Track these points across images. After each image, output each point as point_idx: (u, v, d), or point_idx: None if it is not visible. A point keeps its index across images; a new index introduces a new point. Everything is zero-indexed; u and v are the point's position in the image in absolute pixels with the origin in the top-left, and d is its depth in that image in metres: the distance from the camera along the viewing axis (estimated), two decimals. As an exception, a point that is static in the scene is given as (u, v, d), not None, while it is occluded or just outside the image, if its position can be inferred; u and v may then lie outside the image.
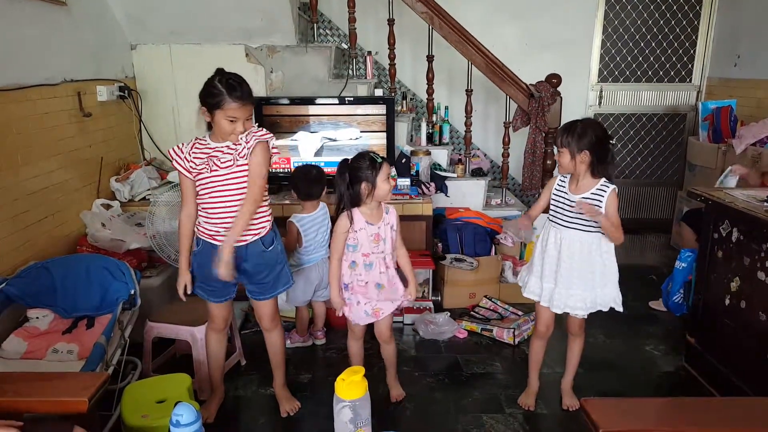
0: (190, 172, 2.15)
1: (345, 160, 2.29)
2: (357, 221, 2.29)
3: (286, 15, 3.67)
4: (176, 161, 2.17)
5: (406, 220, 3.53)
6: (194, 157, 2.15)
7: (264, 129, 2.20)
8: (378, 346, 2.61)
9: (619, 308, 2.33)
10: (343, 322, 3.20)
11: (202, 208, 2.21)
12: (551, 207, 2.35)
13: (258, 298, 2.35)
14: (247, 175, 2.15)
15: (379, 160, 2.25)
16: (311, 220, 2.90)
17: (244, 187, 2.15)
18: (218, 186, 2.15)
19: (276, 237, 2.32)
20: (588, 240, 2.27)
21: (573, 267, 2.28)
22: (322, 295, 3.02)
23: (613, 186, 2.22)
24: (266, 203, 2.26)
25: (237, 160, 2.14)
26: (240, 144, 2.14)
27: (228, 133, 2.10)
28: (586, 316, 2.37)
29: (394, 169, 2.25)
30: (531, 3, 4.84)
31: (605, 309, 2.34)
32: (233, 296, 2.37)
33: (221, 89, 2.04)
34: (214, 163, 2.14)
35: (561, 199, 2.30)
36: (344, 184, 2.25)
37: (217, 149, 2.15)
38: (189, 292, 2.30)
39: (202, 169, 2.14)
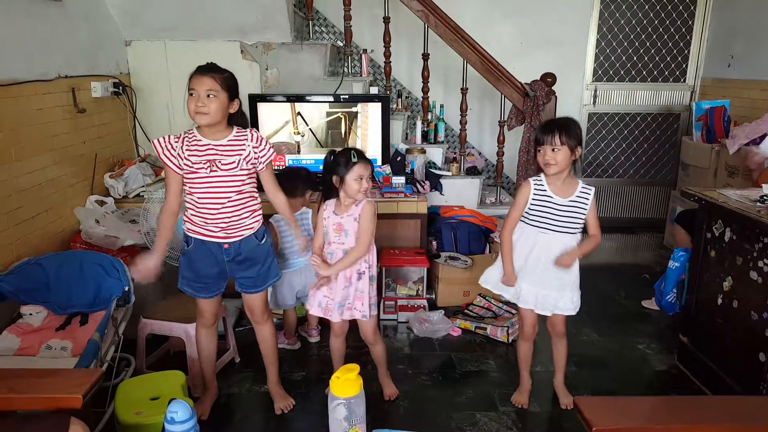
0: (181, 168, 2.14)
1: (332, 152, 2.36)
2: (327, 210, 2.36)
3: (281, 12, 3.67)
4: (165, 155, 2.13)
5: (401, 218, 3.54)
6: (189, 155, 2.12)
7: (267, 141, 2.23)
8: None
9: (574, 312, 2.40)
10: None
11: (196, 207, 2.18)
12: (534, 213, 2.31)
13: (249, 291, 2.35)
14: (243, 179, 2.17)
15: (354, 159, 2.25)
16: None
17: (241, 187, 2.17)
18: (217, 186, 2.14)
19: (267, 232, 2.36)
20: (570, 242, 2.31)
21: (564, 270, 2.30)
22: (292, 305, 2.99)
23: (593, 187, 2.30)
24: (257, 201, 2.27)
25: (242, 164, 2.15)
26: (243, 147, 2.15)
27: (192, 112, 2.08)
28: (575, 313, 2.39)
29: (368, 168, 2.24)
30: (527, 2, 4.85)
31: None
32: (222, 291, 2.36)
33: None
34: (216, 165, 2.12)
35: (547, 205, 2.28)
36: (325, 174, 2.34)
37: (217, 150, 2.13)
38: (156, 272, 2.21)
39: (199, 168, 2.12)
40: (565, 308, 2.36)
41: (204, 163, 2.12)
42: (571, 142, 2.19)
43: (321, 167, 2.40)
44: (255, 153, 2.17)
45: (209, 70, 2.08)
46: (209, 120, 2.09)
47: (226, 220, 2.18)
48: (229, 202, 2.16)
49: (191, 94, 2.07)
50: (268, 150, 2.20)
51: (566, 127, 2.20)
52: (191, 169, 2.13)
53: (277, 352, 2.53)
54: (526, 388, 2.59)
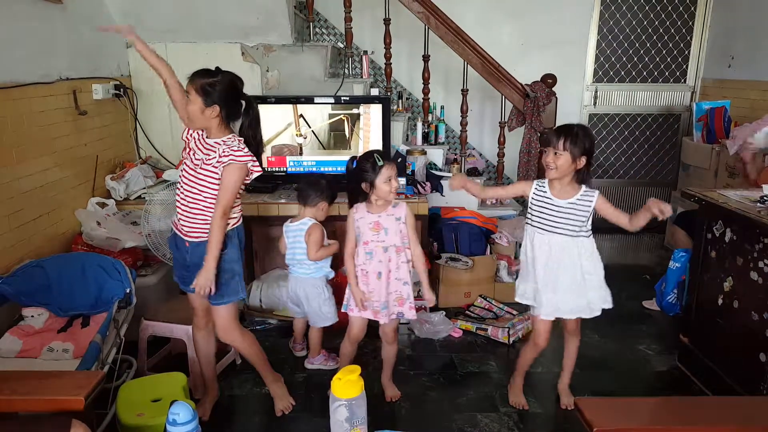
0: (185, 131, 2.26)
1: (353, 158, 2.39)
2: (358, 210, 2.38)
3: (282, 14, 3.67)
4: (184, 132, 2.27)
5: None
6: (190, 136, 2.23)
7: (245, 148, 2.15)
8: (374, 344, 2.61)
9: (609, 306, 2.35)
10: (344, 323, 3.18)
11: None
12: (534, 213, 2.33)
13: (209, 302, 2.28)
14: (203, 182, 2.15)
15: (380, 162, 2.28)
16: (292, 228, 2.84)
17: (199, 188, 2.15)
18: (183, 176, 2.20)
19: (230, 244, 2.22)
20: (574, 244, 2.28)
21: (566, 272, 2.30)
22: (299, 312, 2.92)
23: (597, 190, 2.27)
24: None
25: (203, 164, 2.15)
26: (214, 151, 2.14)
27: None
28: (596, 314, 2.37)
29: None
30: (527, 3, 4.86)
31: (598, 312, 2.35)
32: None
33: None
34: (191, 155, 2.19)
35: (546, 205, 2.29)
36: (350, 181, 2.39)
37: (202, 145, 2.18)
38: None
39: (185, 147, 2.24)
40: (574, 310, 2.34)
41: (188, 147, 2.21)
42: (575, 150, 2.18)
43: (345, 174, 2.43)
44: (217, 159, 2.12)
45: (197, 74, 2.13)
46: (189, 123, 2.19)
47: (180, 213, 2.22)
48: (186, 195, 2.19)
49: None
50: (229, 156, 2.10)
51: (573, 135, 2.19)
52: (186, 144, 2.23)
53: (261, 361, 2.47)
54: (520, 389, 2.60)
